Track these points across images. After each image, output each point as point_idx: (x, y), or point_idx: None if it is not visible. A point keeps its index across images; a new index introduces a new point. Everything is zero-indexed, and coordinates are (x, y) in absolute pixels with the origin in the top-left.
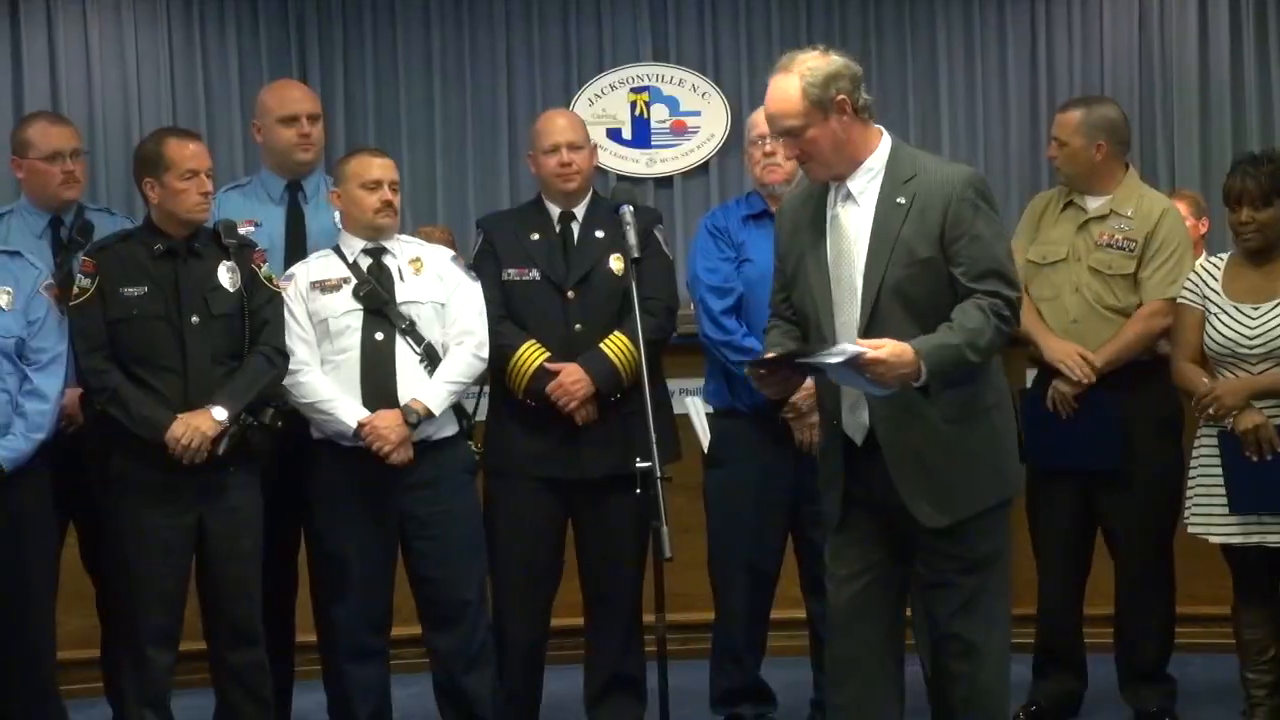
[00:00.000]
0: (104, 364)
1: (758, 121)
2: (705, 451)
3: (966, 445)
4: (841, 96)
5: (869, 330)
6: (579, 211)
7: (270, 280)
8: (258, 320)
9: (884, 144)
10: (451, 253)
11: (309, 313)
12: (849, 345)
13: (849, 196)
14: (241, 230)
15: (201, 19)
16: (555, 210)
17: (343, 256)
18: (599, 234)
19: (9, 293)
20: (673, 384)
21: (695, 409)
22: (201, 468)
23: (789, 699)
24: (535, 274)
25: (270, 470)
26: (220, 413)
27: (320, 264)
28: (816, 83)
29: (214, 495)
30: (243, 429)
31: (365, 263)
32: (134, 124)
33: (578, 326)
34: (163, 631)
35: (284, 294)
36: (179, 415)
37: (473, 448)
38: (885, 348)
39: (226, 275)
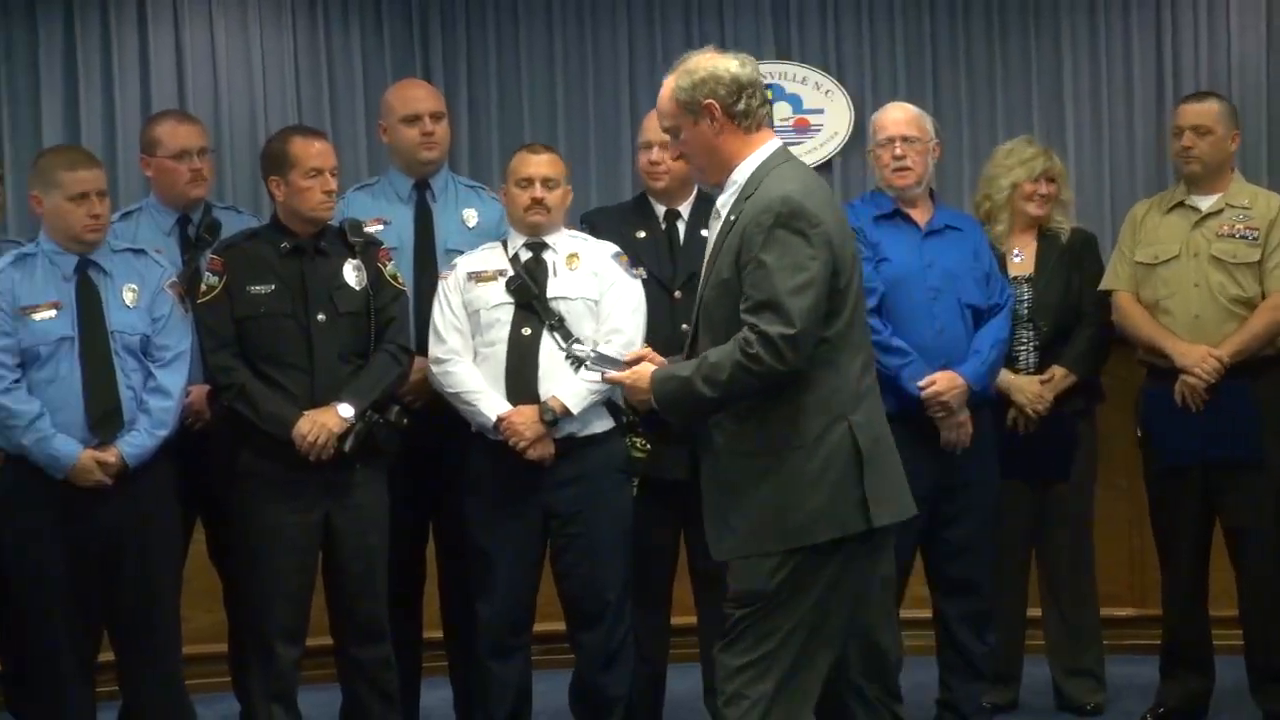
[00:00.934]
0: (231, 361)
1: (885, 124)
2: None
3: (744, 485)
4: (709, 101)
5: (691, 351)
6: (684, 210)
7: (395, 278)
8: (383, 318)
9: (754, 156)
10: (615, 249)
11: (464, 303)
12: (611, 370)
13: (715, 211)
14: (370, 229)
15: (326, 18)
16: (660, 209)
17: (506, 249)
18: (705, 232)
19: (134, 290)
20: None
21: None
22: (328, 465)
23: (916, 698)
24: (642, 273)
25: (399, 466)
26: (346, 410)
27: (482, 255)
28: (686, 86)
29: (340, 492)
30: (369, 426)
31: (524, 256)
32: (259, 123)
33: (684, 326)
34: (289, 627)
35: (443, 282)
36: (305, 412)
37: (637, 446)
38: (631, 371)
39: (352, 273)
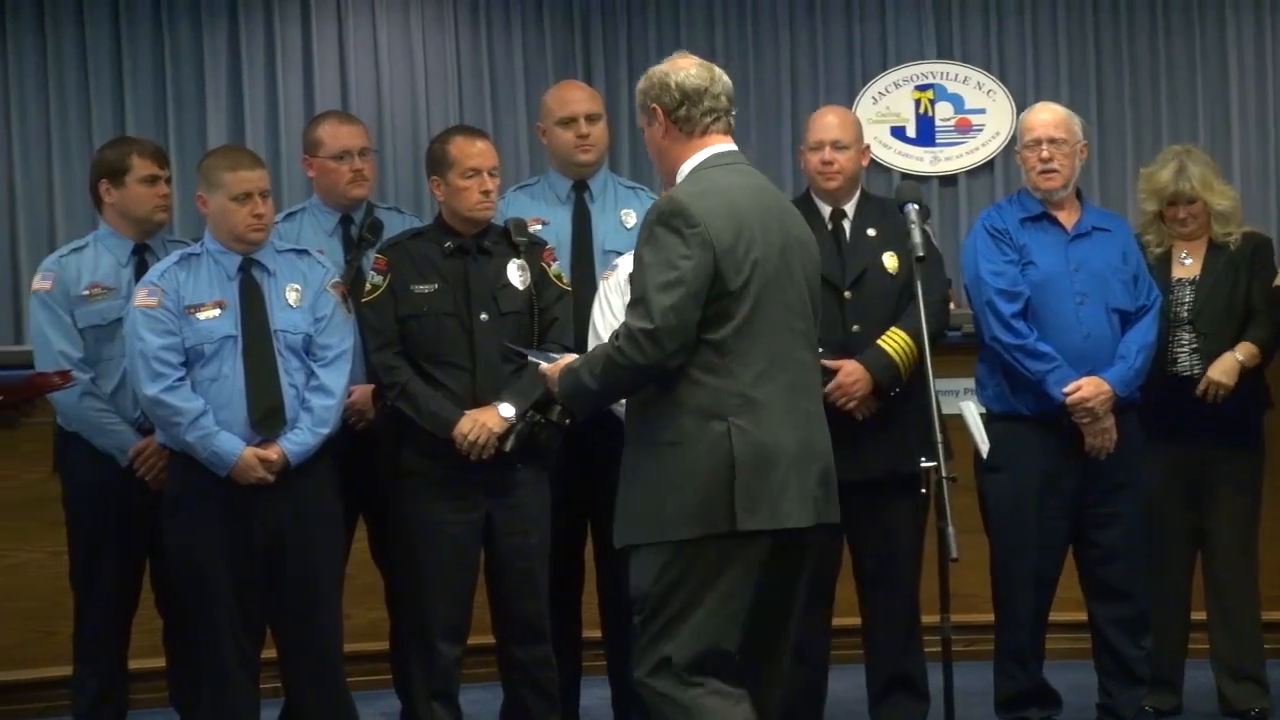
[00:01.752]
0: (395, 360)
1: (1032, 125)
2: (983, 456)
3: (635, 475)
4: (655, 106)
5: None
6: (849, 209)
7: (560, 278)
8: (547, 318)
9: (693, 159)
10: None
11: (624, 304)
12: (544, 360)
13: None
14: (530, 229)
15: (488, 20)
16: (826, 208)
17: None
18: (871, 232)
19: (297, 290)
20: (941, 384)
21: (970, 413)
22: (490, 464)
23: (1074, 701)
24: None
25: (559, 466)
26: (507, 410)
27: None
28: (641, 89)
29: (502, 492)
30: (530, 426)
31: None
32: (421, 123)
33: (855, 327)
34: (451, 625)
35: (604, 283)
36: (467, 412)
37: None
38: (551, 366)
39: (516, 273)
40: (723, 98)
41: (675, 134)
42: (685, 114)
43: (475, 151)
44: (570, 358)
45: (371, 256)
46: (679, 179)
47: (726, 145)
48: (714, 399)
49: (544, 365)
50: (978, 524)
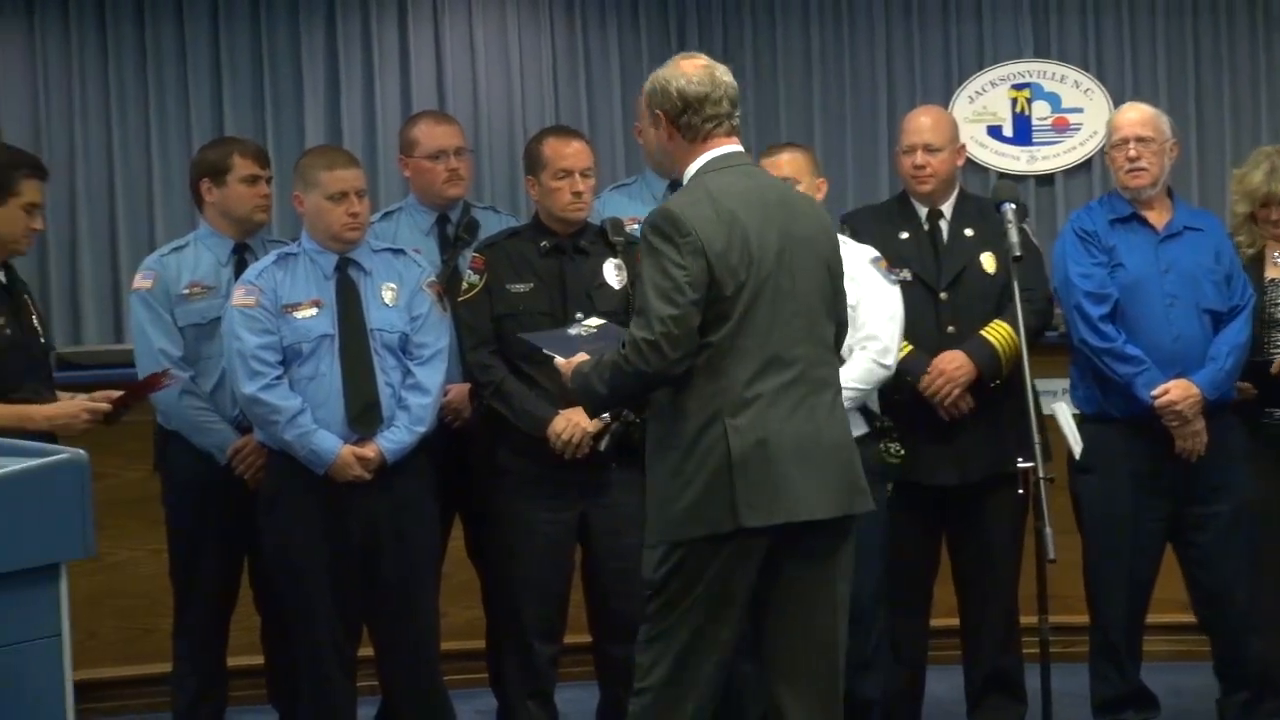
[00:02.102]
0: (490, 359)
1: (1120, 124)
2: (1076, 457)
3: (650, 478)
4: (659, 111)
5: None
6: (946, 209)
7: None
8: None
9: (695, 163)
10: (874, 254)
11: None
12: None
13: None
14: (626, 229)
15: (583, 19)
16: (923, 209)
17: None
18: (968, 232)
19: (393, 289)
20: (1038, 384)
21: (1063, 414)
22: (584, 464)
23: (1174, 704)
24: (907, 274)
25: None
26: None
27: None
28: (646, 92)
29: (597, 491)
30: (625, 426)
31: None
32: (517, 123)
33: (950, 329)
34: (546, 624)
35: None
36: (561, 411)
37: (891, 451)
38: (570, 359)
39: (613, 272)
40: (724, 102)
41: (679, 139)
42: (688, 121)
43: (569, 152)
44: (582, 357)
45: (468, 255)
46: (684, 181)
47: (729, 147)
48: (711, 401)
49: (558, 360)
50: (1074, 524)
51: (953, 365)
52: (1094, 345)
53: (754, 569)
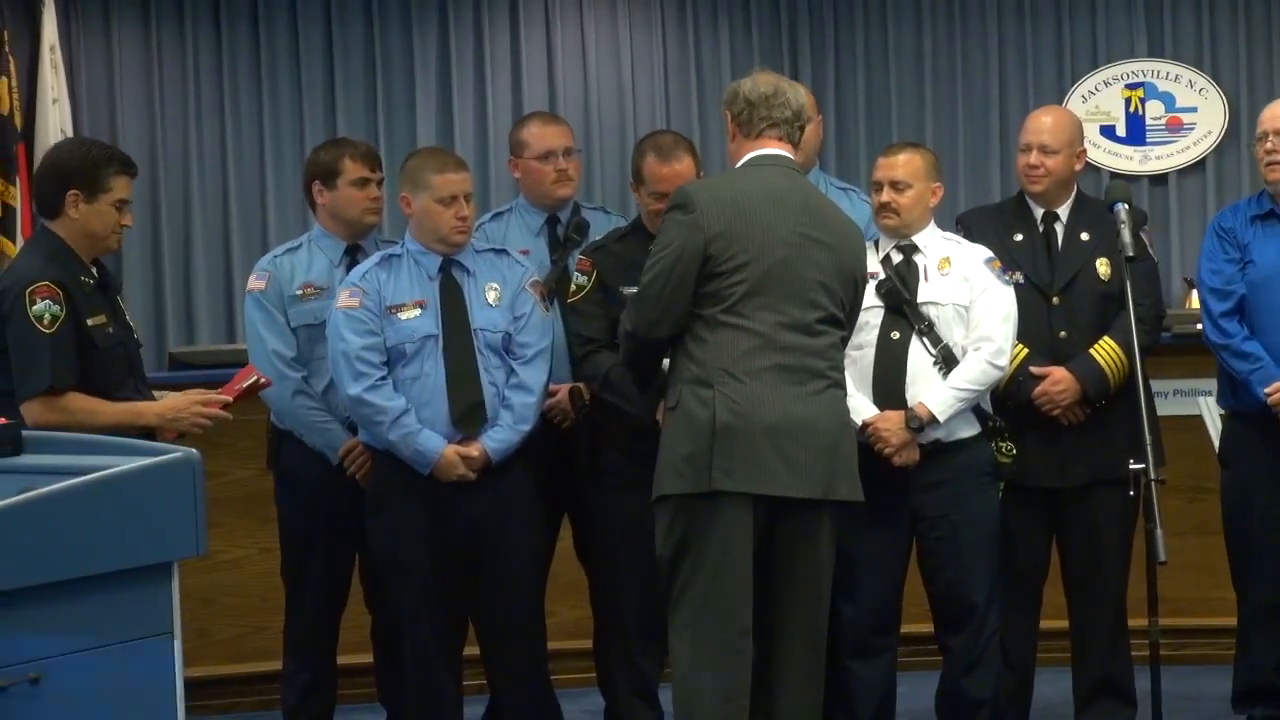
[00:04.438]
0: (599, 354)
1: (1263, 118)
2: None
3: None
4: (726, 111)
5: None
6: (1063, 212)
7: None
8: None
9: (745, 158)
10: (988, 254)
11: None
12: None
13: None
14: None
15: (695, 19)
16: (1039, 210)
17: (877, 250)
18: (1084, 236)
19: (496, 289)
20: (1187, 384)
21: (1208, 409)
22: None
23: None
24: (1019, 277)
25: None
26: None
27: None
28: (723, 100)
29: None
30: None
31: (895, 259)
32: (628, 124)
33: (1062, 334)
34: (649, 624)
35: None
36: None
37: (1003, 451)
38: None
39: None
40: (785, 109)
41: (739, 136)
42: (746, 117)
43: (665, 174)
44: None
45: (576, 256)
46: None
47: (777, 150)
48: (703, 370)
49: None
50: (1186, 526)
51: (1056, 388)
52: (1214, 341)
53: (748, 540)
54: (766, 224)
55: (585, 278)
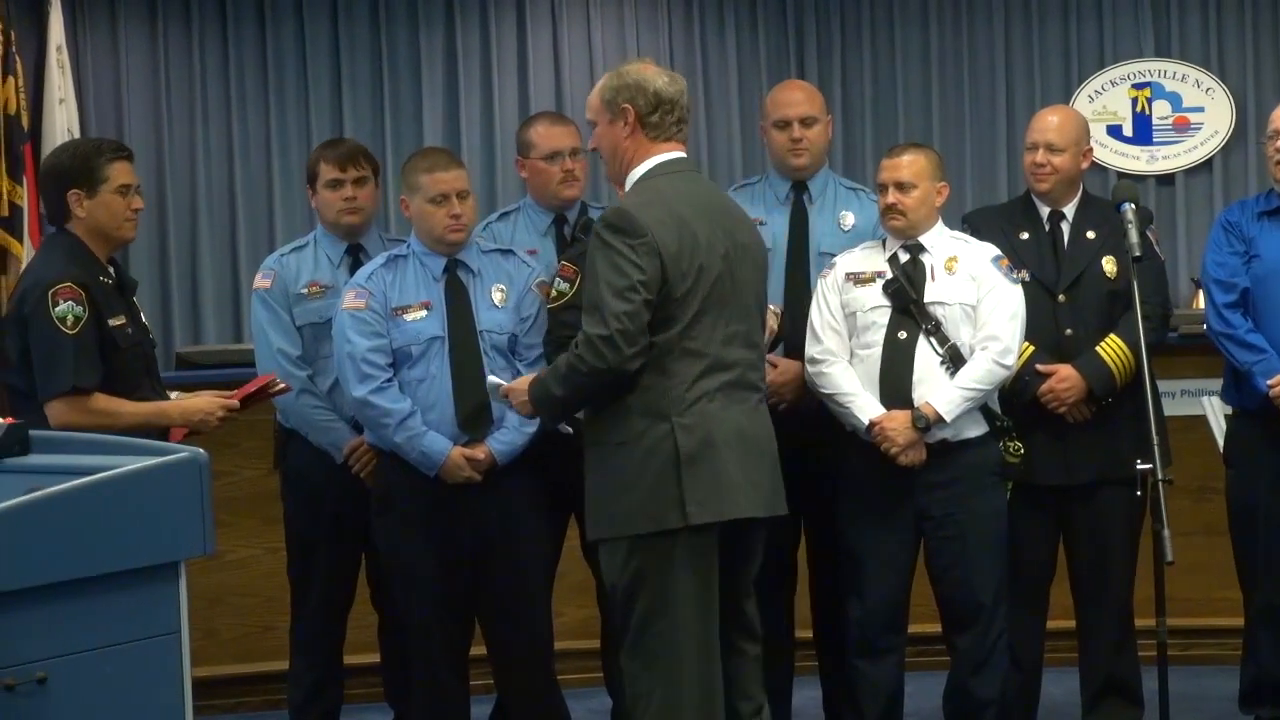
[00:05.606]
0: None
1: (1276, 116)
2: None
3: (591, 474)
4: (627, 105)
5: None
6: (1069, 211)
7: None
8: None
9: (648, 162)
10: (996, 252)
11: (842, 303)
12: (492, 378)
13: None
14: None
15: (701, 19)
16: (1045, 209)
17: (884, 249)
18: (1090, 235)
19: (503, 290)
20: (1193, 384)
21: (1211, 408)
22: None
23: None
24: (1025, 275)
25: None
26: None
27: (861, 256)
28: (613, 86)
29: None
30: None
31: (903, 258)
32: None
33: (1068, 331)
34: None
35: (822, 281)
36: None
37: (1011, 451)
38: (516, 381)
39: None
40: (685, 109)
41: (639, 137)
42: (657, 119)
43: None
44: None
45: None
46: (630, 181)
47: (679, 153)
48: (658, 400)
49: (504, 385)
50: (1194, 526)
51: (1063, 386)
52: (1216, 330)
53: (714, 563)
54: (704, 238)
55: (568, 284)
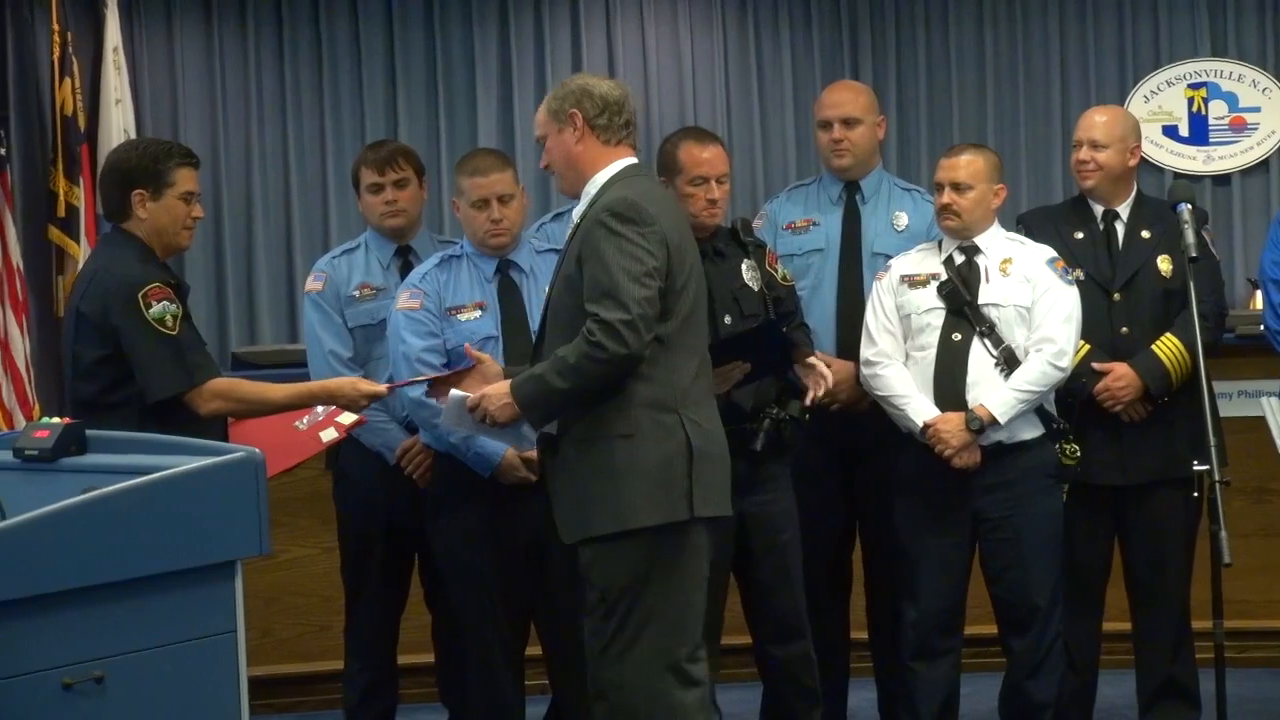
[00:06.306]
0: None
1: None
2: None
3: (582, 471)
4: (574, 111)
5: (535, 354)
6: (1123, 210)
7: (786, 279)
8: (792, 323)
9: (609, 168)
10: (1051, 254)
11: (896, 305)
12: (456, 392)
13: (571, 220)
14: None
15: (756, 21)
16: (1099, 209)
17: (940, 251)
18: (1145, 234)
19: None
20: (1251, 385)
21: (1272, 410)
22: (737, 462)
23: None
24: (1080, 274)
25: (825, 467)
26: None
27: (917, 257)
28: (558, 96)
29: (750, 489)
30: (775, 423)
31: (958, 260)
32: (689, 124)
33: (1124, 330)
34: (710, 627)
35: (878, 283)
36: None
37: (1067, 453)
38: (485, 389)
39: (749, 273)
40: (632, 112)
41: (591, 141)
42: (605, 122)
43: (705, 158)
44: (478, 370)
45: None
46: (590, 188)
47: (634, 159)
48: (663, 393)
49: (471, 396)
50: (1252, 528)
51: (1118, 384)
52: (1274, 328)
53: (706, 559)
54: (684, 234)
55: None
